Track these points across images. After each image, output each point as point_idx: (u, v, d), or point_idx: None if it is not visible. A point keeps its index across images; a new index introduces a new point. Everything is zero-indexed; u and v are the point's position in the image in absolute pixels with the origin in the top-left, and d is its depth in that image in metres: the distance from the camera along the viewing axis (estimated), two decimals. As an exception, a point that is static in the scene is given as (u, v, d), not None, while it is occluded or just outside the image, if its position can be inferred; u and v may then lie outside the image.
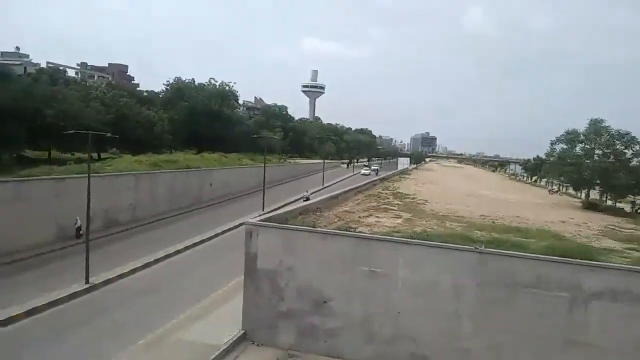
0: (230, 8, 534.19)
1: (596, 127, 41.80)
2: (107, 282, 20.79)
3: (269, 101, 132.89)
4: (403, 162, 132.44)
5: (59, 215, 26.20)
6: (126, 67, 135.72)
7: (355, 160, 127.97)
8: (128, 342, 15.02)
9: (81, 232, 25.97)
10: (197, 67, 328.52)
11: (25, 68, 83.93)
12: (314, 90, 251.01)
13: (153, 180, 36.89)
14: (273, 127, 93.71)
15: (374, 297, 14.56)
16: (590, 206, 41.11)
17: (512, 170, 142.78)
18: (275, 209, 30.13)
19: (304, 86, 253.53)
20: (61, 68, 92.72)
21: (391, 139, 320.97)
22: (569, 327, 13.31)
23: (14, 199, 23.75)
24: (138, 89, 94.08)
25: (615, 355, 13.01)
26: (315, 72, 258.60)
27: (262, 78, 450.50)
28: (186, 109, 71.22)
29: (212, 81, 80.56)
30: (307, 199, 37.65)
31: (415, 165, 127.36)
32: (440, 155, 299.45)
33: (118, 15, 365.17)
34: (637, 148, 40.57)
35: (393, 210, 25.82)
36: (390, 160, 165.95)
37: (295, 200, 42.54)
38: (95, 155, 48.68)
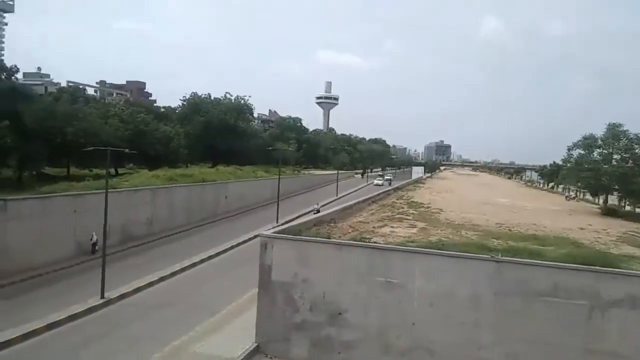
0: (245, 24, 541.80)
1: (614, 132, 41.05)
2: (123, 296, 21.03)
3: (283, 114, 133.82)
4: (417, 171, 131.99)
5: (77, 231, 26.66)
6: (144, 84, 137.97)
7: (369, 170, 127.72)
8: (144, 355, 15.15)
9: (97, 247, 26.38)
10: (213, 82, 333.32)
11: (46, 87, 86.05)
12: (328, 102, 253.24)
13: (169, 194, 37.34)
14: (287, 139, 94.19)
15: (390, 307, 14.42)
16: (608, 212, 40.44)
17: (528, 177, 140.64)
18: (288, 221, 30.21)
19: (318, 98, 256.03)
20: (81, 87, 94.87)
21: (405, 148, 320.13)
22: (588, 336, 13.06)
23: (34, 216, 24.22)
24: (155, 104, 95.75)
25: (636, 363, 12.68)
26: (329, 84, 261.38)
27: (277, 91, 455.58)
28: (202, 123, 72.08)
29: (228, 95, 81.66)
30: (318, 211, 37.50)
31: (429, 174, 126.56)
32: (455, 163, 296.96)
33: (138, 34, 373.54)
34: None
35: (408, 219, 25.69)
36: (405, 170, 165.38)
37: (308, 212, 42.55)
38: (112, 170, 49.45)
